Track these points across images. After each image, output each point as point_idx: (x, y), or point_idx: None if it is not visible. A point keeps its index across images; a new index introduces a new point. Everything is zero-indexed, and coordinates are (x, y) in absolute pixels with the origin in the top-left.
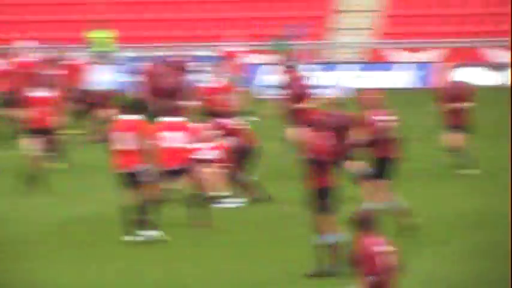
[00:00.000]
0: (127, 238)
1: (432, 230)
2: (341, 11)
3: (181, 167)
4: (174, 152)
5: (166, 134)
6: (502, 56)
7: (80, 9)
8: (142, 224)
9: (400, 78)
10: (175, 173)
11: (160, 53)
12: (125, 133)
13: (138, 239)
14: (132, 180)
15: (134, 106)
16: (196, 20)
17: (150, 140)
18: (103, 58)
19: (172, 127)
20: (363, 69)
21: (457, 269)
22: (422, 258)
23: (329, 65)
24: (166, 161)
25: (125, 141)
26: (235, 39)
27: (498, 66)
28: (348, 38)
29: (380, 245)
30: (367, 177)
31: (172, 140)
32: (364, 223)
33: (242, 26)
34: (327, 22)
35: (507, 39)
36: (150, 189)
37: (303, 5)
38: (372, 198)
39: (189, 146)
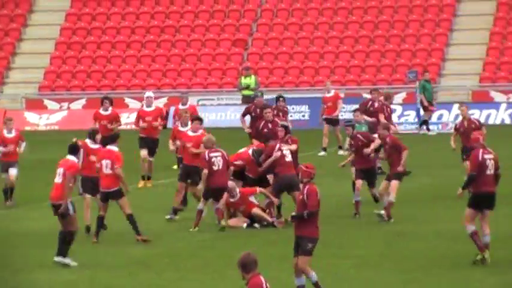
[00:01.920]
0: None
1: None
2: (448, 59)
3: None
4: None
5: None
6: None
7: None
8: (61, 251)
9: (499, 115)
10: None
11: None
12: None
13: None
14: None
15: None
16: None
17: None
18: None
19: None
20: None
21: None
22: None
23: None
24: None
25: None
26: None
27: None
28: (455, 82)
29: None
30: None
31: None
32: (247, 265)
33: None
34: (439, 68)
35: None
36: (69, 221)
37: (422, 55)
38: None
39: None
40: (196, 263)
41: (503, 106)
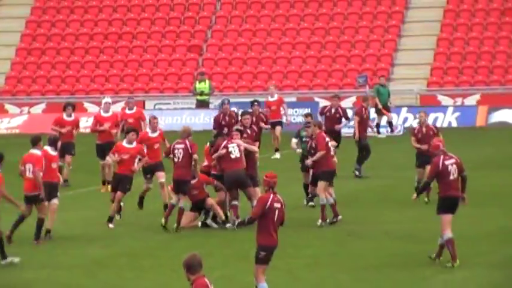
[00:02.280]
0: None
1: None
2: (397, 64)
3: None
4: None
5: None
6: None
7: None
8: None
9: (446, 119)
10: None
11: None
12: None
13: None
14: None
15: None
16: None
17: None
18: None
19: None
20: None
21: None
22: None
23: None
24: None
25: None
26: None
27: None
28: (404, 86)
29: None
30: None
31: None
32: (192, 266)
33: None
34: (388, 73)
35: None
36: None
37: (372, 60)
38: None
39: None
40: (153, 262)
41: (450, 109)
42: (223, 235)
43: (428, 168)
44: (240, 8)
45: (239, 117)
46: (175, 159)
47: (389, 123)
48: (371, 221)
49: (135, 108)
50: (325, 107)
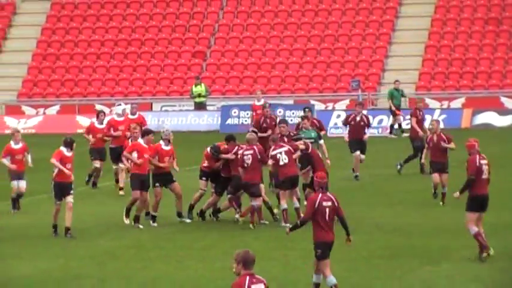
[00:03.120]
0: None
1: None
2: (387, 70)
3: None
4: None
5: None
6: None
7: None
8: None
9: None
10: None
11: None
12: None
13: None
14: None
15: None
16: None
17: None
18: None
19: None
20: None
21: None
22: None
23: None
24: None
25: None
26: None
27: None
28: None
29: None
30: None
31: None
32: (246, 261)
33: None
34: (379, 78)
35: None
36: None
37: (364, 65)
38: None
39: None
40: (159, 253)
41: (437, 112)
42: (223, 229)
43: (443, 175)
44: (241, 17)
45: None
46: (245, 165)
47: (391, 126)
48: (363, 216)
49: (137, 114)
50: (349, 116)
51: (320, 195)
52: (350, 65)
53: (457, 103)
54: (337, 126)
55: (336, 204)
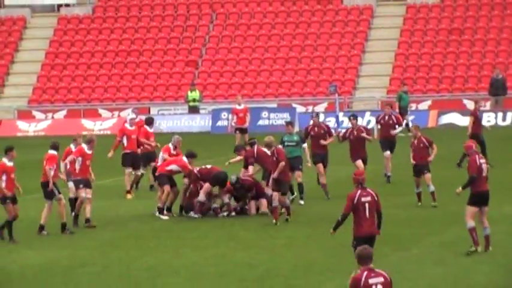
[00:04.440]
0: None
1: None
2: (361, 76)
3: None
4: None
5: None
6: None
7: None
8: None
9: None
10: None
11: None
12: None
13: None
14: None
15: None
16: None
17: None
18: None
19: None
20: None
21: None
22: None
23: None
24: None
25: None
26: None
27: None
28: (367, 94)
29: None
30: None
31: None
32: (359, 257)
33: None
34: (354, 83)
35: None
36: None
37: (340, 72)
38: None
39: None
40: (157, 243)
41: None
42: (215, 220)
43: (426, 176)
44: (229, 29)
45: (331, 130)
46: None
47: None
48: (339, 206)
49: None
50: (379, 116)
51: (359, 191)
52: (328, 71)
53: (424, 105)
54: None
55: (375, 199)
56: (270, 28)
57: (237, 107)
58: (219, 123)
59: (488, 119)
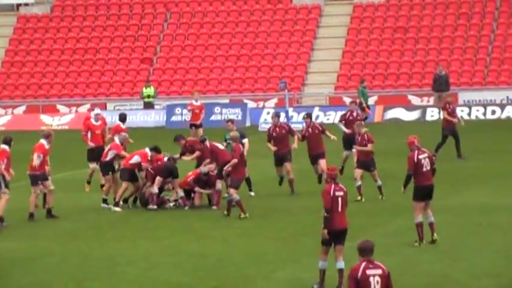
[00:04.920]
0: None
1: None
2: (310, 72)
3: None
4: None
5: None
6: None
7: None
8: None
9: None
10: None
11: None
12: None
13: None
14: None
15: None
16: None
17: None
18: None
19: None
20: (324, 110)
21: None
22: None
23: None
24: None
25: None
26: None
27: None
28: (316, 90)
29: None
30: None
31: None
32: (360, 250)
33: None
34: (303, 79)
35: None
36: None
37: (290, 68)
38: None
39: None
40: (114, 233)
41: None
42: (170, 211)
43: (373, 173)
44: (183, 28)
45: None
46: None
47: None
48: (290, 199)
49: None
50: (346, 113)
51: (333, 185)
52: (278, 68)
53: (370, 100)
54: (267, 122)
55: (345, 194)
56: (222, 27)
57: (194, 102)
58: (173, 118)
59: (431, 114)
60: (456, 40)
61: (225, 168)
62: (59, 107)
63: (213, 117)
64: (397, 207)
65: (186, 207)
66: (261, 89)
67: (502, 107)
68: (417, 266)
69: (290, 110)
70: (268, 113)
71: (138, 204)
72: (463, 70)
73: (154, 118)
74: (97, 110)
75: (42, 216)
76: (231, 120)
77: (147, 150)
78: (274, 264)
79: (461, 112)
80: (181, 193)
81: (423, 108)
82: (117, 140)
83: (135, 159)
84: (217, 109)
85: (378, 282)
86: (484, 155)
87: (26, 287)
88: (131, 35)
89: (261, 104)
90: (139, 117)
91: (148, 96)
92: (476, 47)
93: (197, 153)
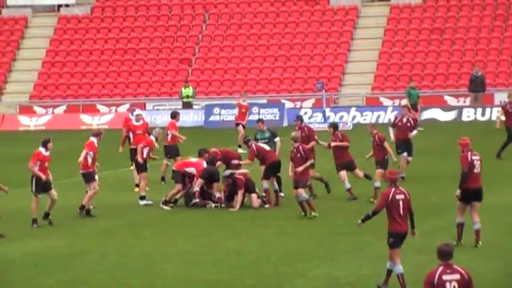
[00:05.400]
0: None
1: None
2: (347, 73)
3: None
4: None
5: None
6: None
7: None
8: None
9: (387, 116)
10: None
11: None
12: None
13: None
14: None
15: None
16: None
17: None
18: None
19: None
20: (361, 111)
21: None
22: None
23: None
24: None
25: None
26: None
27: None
28: (353, 90)
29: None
30: None
31: None
32: (439, 253)
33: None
34: (340, 80)
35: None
36: None
37: (327, 69)
38: None
39: None
40: (152, 232)
41: (390, 109)
42: (207, 210)
43: (377, 171)
44: (222, 29)
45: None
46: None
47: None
48: (326, 198)
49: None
50: (396, 118)
51: (393, 189)
52: (315, 69)
53: (405, 101)
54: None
55: (408, 197)
56: (260, 28)
57: (243, 102)
58: (212, 118)
59: (468, 115)
60: (492, 41)
61: (298, 169)
62: (98, 106)
63: (251, 117)
64: (433, 206)
65: (222, 205)
66: (298, 89)
67: None
68: None
69: (327, 110)
70: (305, 113)
71: (178, 203)
72: (499, 71)
73: (192, 118)
74: (138, 111)
75: (78, 215)
76: (261, 120)
77: (204, 164)
78: (310, 263)
79: (498, 113)
80: (218, 194)
81: (459, 109)
82: (152, 136)
83: (191, 170)
84: (255, 109)
85: (454, 287)
86: None
87: (66, 284)
88: (170, 36)
89: (298, 104)
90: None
91: (187, 97)
92: None
93: (247, 161)
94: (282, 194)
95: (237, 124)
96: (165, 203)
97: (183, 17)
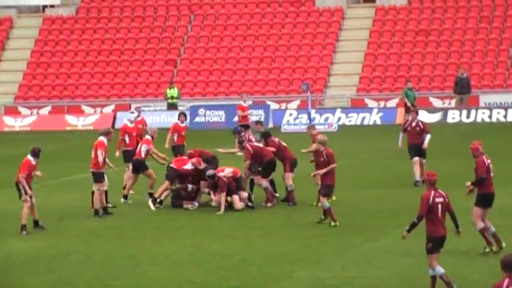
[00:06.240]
0: None
1: None
2: (332, 74)
3: None
4: None
5: None
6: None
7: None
8: None
9: (372, 118)
10: None
11: None
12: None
13: None
14: None
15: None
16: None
17: None
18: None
19: None
20: (346, 112)
21: None
22: None
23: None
24: None
25: None
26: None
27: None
28: (338, 91)
29: None
30: None
31: None
32: (504, 264)
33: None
34: (325, 81)
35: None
36: None
37: (312, 71)
38: None
39: None
40: (137, 233)
41: (375, 111)
42: (192, 211)
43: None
44: (207, 30)
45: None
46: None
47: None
48: (312, 199)
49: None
50: (405, 122)
51: (433, 192)
52: (300, 70)
53: (392, 103)
54: (289, 123)
55: (447, 200)
56: (245, 29)
57: (243, 104)
58: (197, 119)
59: (453, 116)
60: (477, 43)
61: (319, 172)
62: (83, 107)
63: (236, 119)
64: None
65: (212, 203)
66: (283, 90)
67: None
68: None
69: (312, 111)
70: (290, 114)
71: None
72: (485, 73)
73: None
74: (136, 112)
75: (66, 216)
76: (260, 123)
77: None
78: (296, 264)
79: (482, 115)
80: (207, 190)
81: (444, 111)
82: (147, 135)
83: (188, 167)
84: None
85: None
86: (505, 158)
87: (52, 285)
88: (155, 37)
89: (283, 105)
90: (163, 118)
91: (172, 98)
92: (497, 50)
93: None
94: (277, 194)
95: (242, 126)
96: (154, 201)
97: (168, 18)
